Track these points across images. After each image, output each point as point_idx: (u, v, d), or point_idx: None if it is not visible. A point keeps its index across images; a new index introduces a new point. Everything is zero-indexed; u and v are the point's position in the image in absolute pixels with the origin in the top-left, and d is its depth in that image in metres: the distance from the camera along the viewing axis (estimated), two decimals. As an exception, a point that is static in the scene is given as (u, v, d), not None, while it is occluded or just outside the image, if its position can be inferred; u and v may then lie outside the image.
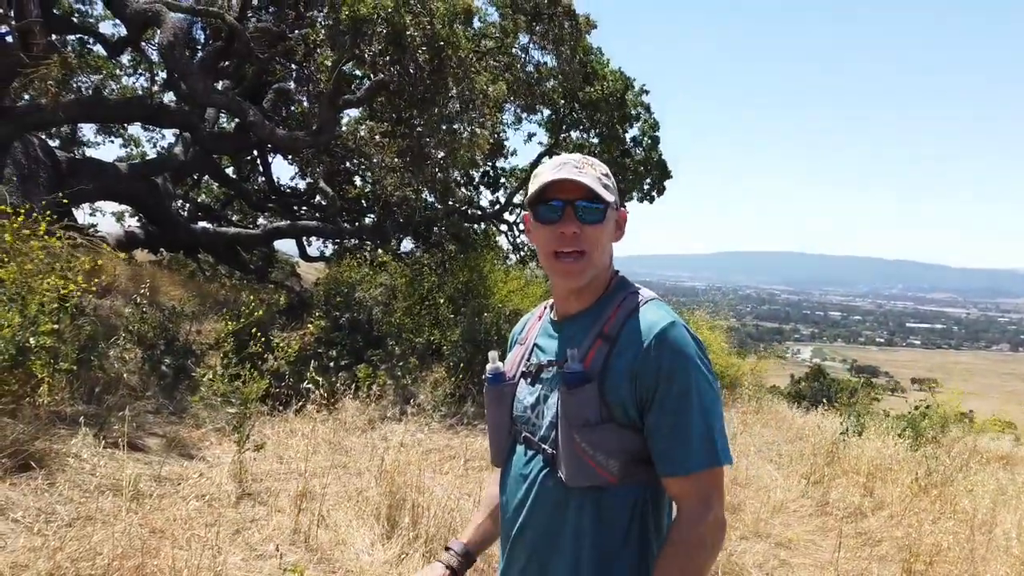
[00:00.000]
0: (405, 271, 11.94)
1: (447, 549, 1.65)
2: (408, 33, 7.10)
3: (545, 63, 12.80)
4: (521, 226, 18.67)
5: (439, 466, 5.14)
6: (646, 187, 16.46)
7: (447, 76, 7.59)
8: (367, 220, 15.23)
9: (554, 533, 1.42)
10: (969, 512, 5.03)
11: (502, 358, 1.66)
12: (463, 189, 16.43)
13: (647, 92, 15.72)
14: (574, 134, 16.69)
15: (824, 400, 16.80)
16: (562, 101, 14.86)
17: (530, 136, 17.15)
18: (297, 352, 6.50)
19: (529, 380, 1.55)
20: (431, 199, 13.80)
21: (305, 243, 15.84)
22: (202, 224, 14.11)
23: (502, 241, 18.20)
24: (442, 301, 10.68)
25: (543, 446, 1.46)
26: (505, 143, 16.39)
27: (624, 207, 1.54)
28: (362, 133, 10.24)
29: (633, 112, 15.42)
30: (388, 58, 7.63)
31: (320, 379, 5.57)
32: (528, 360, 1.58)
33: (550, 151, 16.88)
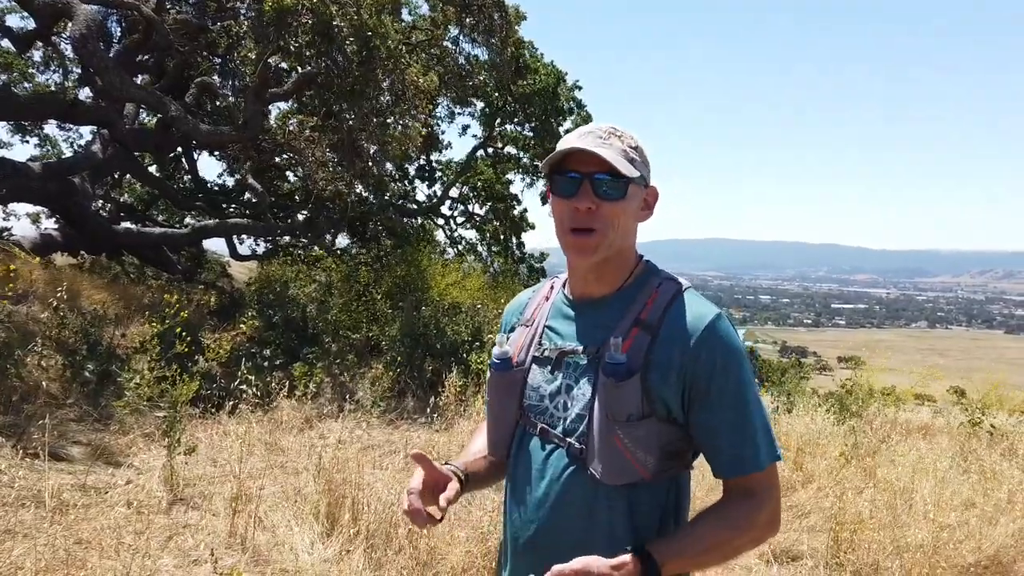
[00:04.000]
0: (341, 267, 11.78)
1: (446, 463, 1.47)
2: (335, 24, 6.95)
3: (476, 56, 12.79)
4: (458, 219, 18.63)
5: (379, 462, 5.10)
6: (579, 179, 16.63)
7: (377, 68, 7.47)
8: (299, 216, 14.93)
9: (583, 532, 1.32)
10: (891, 481, 5.29)
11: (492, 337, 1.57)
12: (398, 183, 16.27)
13: (580, 88, 15.88)
14: (509, 127, 16.74)
15: (757, 381, 17.35)
16: (495, 94, 14.87)
17: (464, 129, 17.09)
18: (229, 352, 6.33)
19: (548, 367, 1.43)
20: (365, 194, 13.62)
21: (236, 241, 15.42)
22: (125, 225, 13.54)
23: (439, 235, 18.15)
24: (379, 296, 10.59)
25: (568, 440, 1.36)
26: (440, 136, 16.32)
27: (653, 185, 1.41)
28: (291, 127, 10.01)
29: (566, 106, 15.55)
30: (315, 50, 7.46)
31: (254, 379, 5.45)
32: (540, 344, 1.46)
33: (485, 144, 16.89)
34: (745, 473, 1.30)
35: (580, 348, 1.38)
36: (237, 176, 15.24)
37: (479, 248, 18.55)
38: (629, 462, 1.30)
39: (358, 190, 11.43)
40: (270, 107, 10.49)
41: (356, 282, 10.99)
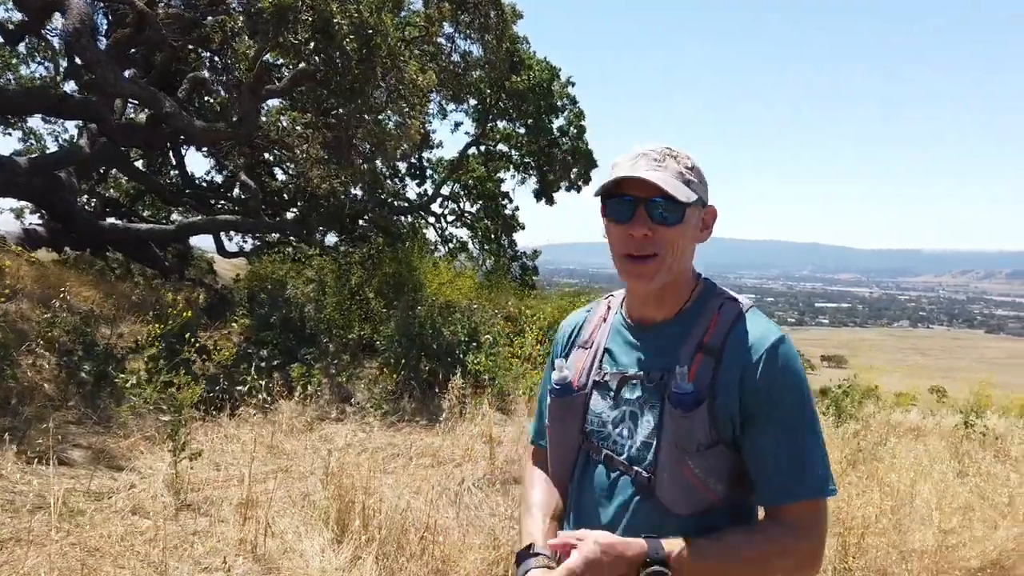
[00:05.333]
0: (332, 265, 11.70)
1: (535, 554, 1.34)
2: (335, 21, 6.87)
3: (471, 52, 12.73)
4: (449, 218, 18.57)
5: (384, 465, 5.05)
6: (573, 177, 16.63)
7: (376, 66, 7.40)
8: (288, 214, 14.80)
9: None
10: (894, 485, 5.31)
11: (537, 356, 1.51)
12: (390, 181, 16.19)
13: (573, 83, 15.87)
14: (501, 124, 16.71)
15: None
16: (488, 91, 14.82)
17: (457, 126, 17.05)
18: (234, 354, 6.24)
19: (610, 392, 1.39)
20: (356, 191, 13.52)
21: (224, 238, 15.27)
22: (111, 220, 13.36)
23: (430, 233, 18.09)
24: (372, 295, 10.51)
25: (635, 468, 1.32)
26: (431, 134, 16.26)
27: (711, 204, 1.37)
28: (284, 123, 9.90)
29: (559, 103, 15.54)
30: (314, 47, 7.37)
31: (259, 381, 5.36)
32: (600, 368, 1.42)
33: (477, 141, 16.84)
34: (787, 502, 1.26)
35: (643, 374, 1.35)
36: (227, 172, 15.08)
37: (471, 246, 18.51)
38: (699, 490, 1.27)
39: (353, 188, 11.32)
40: (263, 103, 10.36)
41: (349, 281, 10.91)
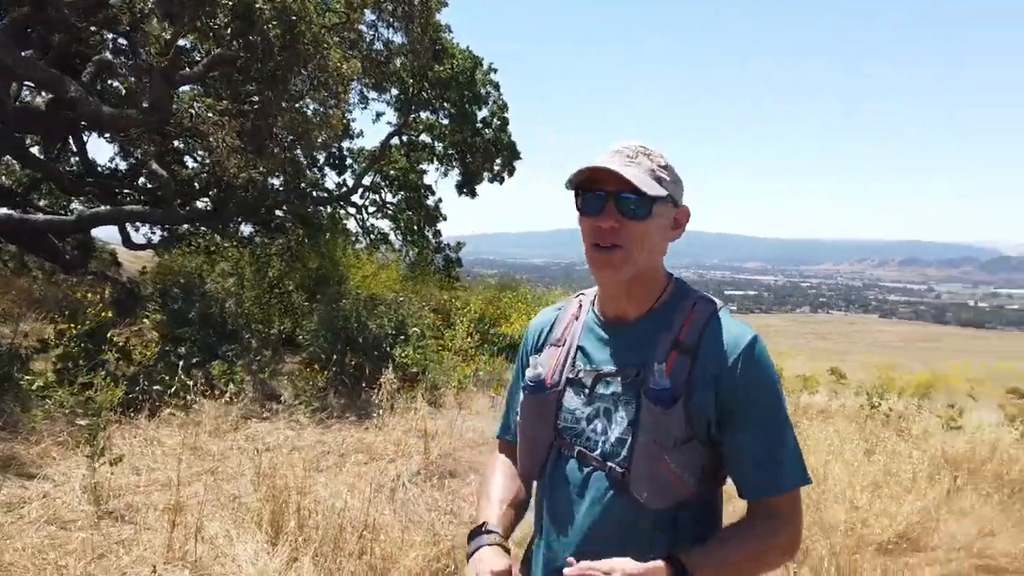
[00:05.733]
0: (249, 258, 11.32)
1: (488, 532, 1.40)
2: (257, 7, 6.61)
3: (393, 41, 12.50)
4: (370, 209, 18.27)
5: (316, 464, 4.95)
6: (496, 168, 16.64)
7: (299, 53, 7.16)
8: (199, 204, 14.17)
9: (624, 553, 1.27)
10: (809, 465, 5.60)
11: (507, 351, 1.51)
12: (308, 171, 15.77)
13: (495, 71, 15.85)
14: (424, 114, 16.53)
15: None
16: (411, 80, 14.62)
17: (378, 116, 16.77)
18: (156, 354, 5.95)
19: (583, 389, 1.41)
20: (274, 181, 13.09)
21: (131, 229, 14.51)
22: (3, 210, 12.46)
23: (350, 224, 17.74)
24: (292, 288, 10.24)
25: (609, 464, 1.34)
26: (351, 123, 15.91)
27: (684, 205, 1.40)
28: (197, 110, 9.48)
29: (483, 92, 15.49)
30: (233, 32, 7.06)
31: (175, 379, 5.14)
32: (573, 365, 1.44)
33: (399, 131, 16.61)
34: (771, 495, 1.31)
35: (618, 371, 1.37)
36: (132, 160, 14.31)
37: (393, 238, 18.27)
38: (674, 485, 1.30)
39: (272, 178, 10.96)
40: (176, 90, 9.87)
41: (267, 273, 10.59)
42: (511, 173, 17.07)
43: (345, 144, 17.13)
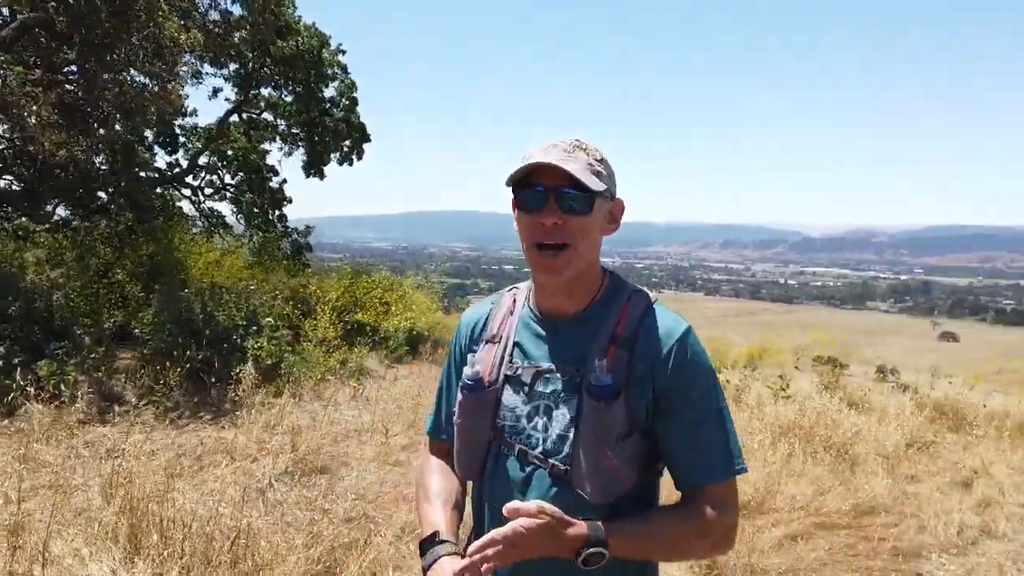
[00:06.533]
0: (68, 244, 10.22)
1: (441, 541, 1.35)
2: (81, -35, 5.89)
3: (231, 12, 11.66)
4: (207, 191, 17.07)
5: (172, 468, 4.56)
6: (345, 149, 16.09)
7: (132, 20, 6.48)
8: (2, 183, 12.54)
9: None
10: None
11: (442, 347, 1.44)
12: (139, 149, 14.43)
13: (344, 52, 15.26)
14: (266, 91, 15.63)
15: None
16: (251, 55, 13.75)
17: (216, 92, 15.59)
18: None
19: (522, 387, 1.39)
20: (98, 161, 11.84)
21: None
22: None
23: (186, 207, 16.49)
24: (124, 278, 9.37)
25: (551, 461, 1.33)
26: (184, 99, 14.71)
27: (618, 198, 1.40)
28: (5, 80, 8.33)
29: (330, 71, 14.88)
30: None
31: (6, 382, 4.53)
32: (511, 362, 1.42)
33: (239, 108, 15.61)
34: (704, 485, 1.32)
35: (555, 367, 1.37)
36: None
37: (235, 221, 17.19)
38: (617, 479, 1.31)
39: (97, 157, 9.91)
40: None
41: (93, 261, 9.62)
42: (360, 156, 16.56)
43: (178, 121, 15.84)
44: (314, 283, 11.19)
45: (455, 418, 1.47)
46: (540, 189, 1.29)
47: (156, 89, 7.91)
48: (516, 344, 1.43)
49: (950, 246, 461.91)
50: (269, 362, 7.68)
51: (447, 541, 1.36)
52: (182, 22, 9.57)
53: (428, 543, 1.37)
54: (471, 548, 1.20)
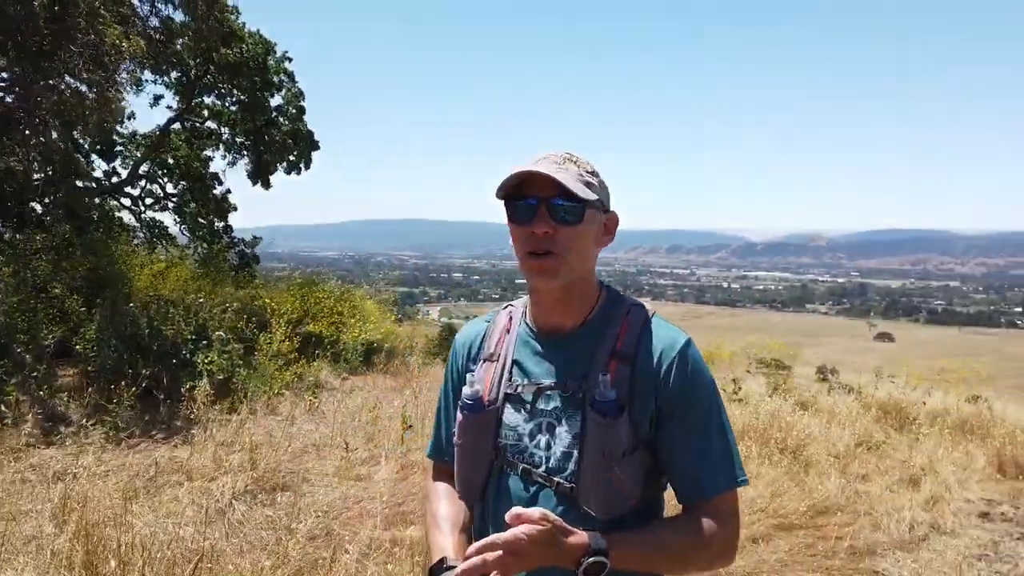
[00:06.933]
0: (2, 259, 9.77)
1: (449, 567, 1.31)
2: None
3: (173, 19, 11.36)
4: (147, 200, 16.58)
5: (126, 491, 4.40)
6: (292, 158, 15.83)
7: (71, 27, 6.24)
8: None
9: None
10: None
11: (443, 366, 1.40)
12: (77, 158, 13.90)
13: (290, 59, 15.04)
14: (209, 99, 15.27)
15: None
16: (194, 62, 13.42)
17: (157, 99, 15.16)
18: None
19: (523, 405, 1.38)
20: (34, 170, 11.37)
21: None
22: None
23: (125, 217, 15.95)
24: (60, 292, 9.00)
25: (556, 479, 1.32)
26: (126, 107, 14.25)
27: (613, 211, 1.40)
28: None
29: (276, 79, 14.63)
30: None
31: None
32: (510, 380, 1.40)
33: (181, 116, 15.22)
34: (706, 497, 1.31)
35: (556, 384, 1.36)
36: None
37: (178, 232, 16.70)
38: (623, 494, 1.31)
39: (34, 167, 9.53)
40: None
41: (30, 275, 9.22)
42: (308, 165, 16.30)
43: (116, 127, 15.33)
44: (265, 295, 10.94)
45: (455, 439, 1.45)
46: (532, 202, 1.30)
47: (95, 97, 7.64)
48: (515, 362, 1.42)
49: (885, 249, 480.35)
50: (221, 377, 7.49)
51: (454, 567, 1.30)
52: (122, 28, 9.32)
53: (436, 569, 1.34)
54: (470, 549, 1.17)
